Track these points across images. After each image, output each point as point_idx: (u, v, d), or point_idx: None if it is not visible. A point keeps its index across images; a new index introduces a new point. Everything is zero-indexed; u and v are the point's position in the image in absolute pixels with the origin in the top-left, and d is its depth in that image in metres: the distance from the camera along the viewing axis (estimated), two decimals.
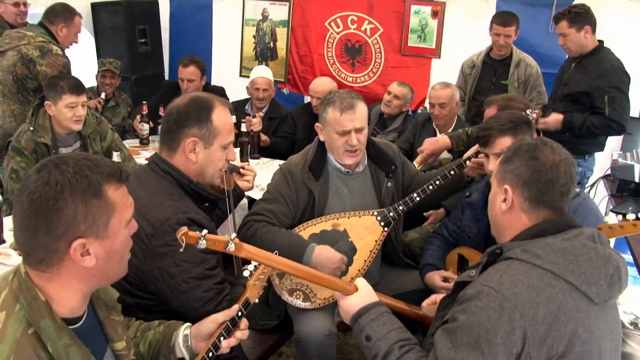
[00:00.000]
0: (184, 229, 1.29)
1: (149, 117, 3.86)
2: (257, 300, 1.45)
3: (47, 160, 1.07)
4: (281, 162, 3.55)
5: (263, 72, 3.99)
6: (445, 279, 2.09)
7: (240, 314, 1.41)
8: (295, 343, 2.14)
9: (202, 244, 1.29)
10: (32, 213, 1.02)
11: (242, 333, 1.42)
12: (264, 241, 2.02)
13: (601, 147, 3.48)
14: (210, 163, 1.72)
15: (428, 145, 2.68)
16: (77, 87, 2.79)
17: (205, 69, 4.12)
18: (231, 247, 1.33)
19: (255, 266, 1.46)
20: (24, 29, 3.39)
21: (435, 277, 2.11)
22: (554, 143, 1.38)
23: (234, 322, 1.41)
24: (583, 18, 3.17)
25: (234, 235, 1.34)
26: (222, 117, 1.70)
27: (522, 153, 1.35)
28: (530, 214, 1.33)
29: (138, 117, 3.87)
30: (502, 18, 3.62)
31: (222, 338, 1.38)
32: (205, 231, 1.29)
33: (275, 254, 1.52)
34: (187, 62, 3.93)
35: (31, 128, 2.79)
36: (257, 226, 2.07)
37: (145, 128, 3.83)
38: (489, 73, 3.76)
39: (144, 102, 3.93)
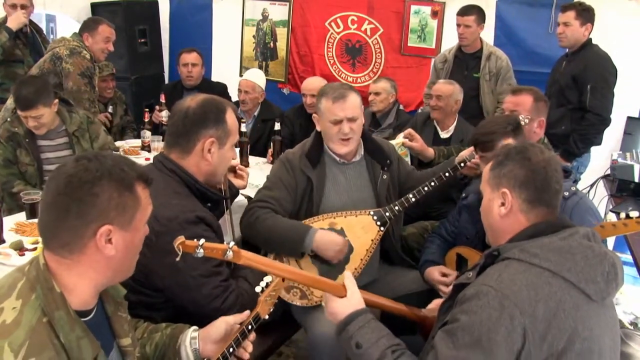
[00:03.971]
0: (181, 238, 1.29)
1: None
2: (267, 317, 1.47)
3: (86, 153, 1.17)
4: None
5: (247, 75, 3.95)
6: (444, 274, 2.12)
7: (250, 327, 1.43)
8: (307, 344, 2.14)
9: (200, 252, 1.29)
10: (67, 195, 1.07)
11: (249, 346, 1.46)
12: (265, 226, 2.07)
13: (598, 141, 3.50)
14: (223, 163, 1.77)
15: (420, 142, 2.86)
16: (21, 102, 2.76)
17: (203, 61, 4.26)
18: (229, 255, 1.33)
19: (267, 283, 1.47)
20: (71, 36, 3.57)
21: (434, 272, 2.14)
22: (537, 145, 1.44)
23: (243, 335, 1.43)
24: (590, 15, 3.36)
25: (232, 243, 1.34)
26: (232, 118, 1.77)
27: (514, 155, 1.39)
28: (529, 214, 1.35)
29: (157, 106, 3.92)
30: (462, 8, 3.73)
31: (231, 349, 1.39)
32: (202, 240, 1.30)
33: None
34: (189, 50, 4.20)
35: (8, 119, 2.96)
36: (259, 212, 2.11)
37: (164, 115, 3.82)
38: (461, 67, 3.83)
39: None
